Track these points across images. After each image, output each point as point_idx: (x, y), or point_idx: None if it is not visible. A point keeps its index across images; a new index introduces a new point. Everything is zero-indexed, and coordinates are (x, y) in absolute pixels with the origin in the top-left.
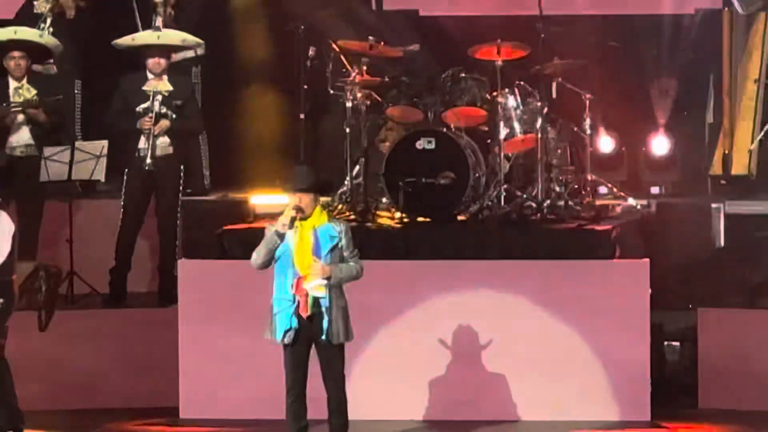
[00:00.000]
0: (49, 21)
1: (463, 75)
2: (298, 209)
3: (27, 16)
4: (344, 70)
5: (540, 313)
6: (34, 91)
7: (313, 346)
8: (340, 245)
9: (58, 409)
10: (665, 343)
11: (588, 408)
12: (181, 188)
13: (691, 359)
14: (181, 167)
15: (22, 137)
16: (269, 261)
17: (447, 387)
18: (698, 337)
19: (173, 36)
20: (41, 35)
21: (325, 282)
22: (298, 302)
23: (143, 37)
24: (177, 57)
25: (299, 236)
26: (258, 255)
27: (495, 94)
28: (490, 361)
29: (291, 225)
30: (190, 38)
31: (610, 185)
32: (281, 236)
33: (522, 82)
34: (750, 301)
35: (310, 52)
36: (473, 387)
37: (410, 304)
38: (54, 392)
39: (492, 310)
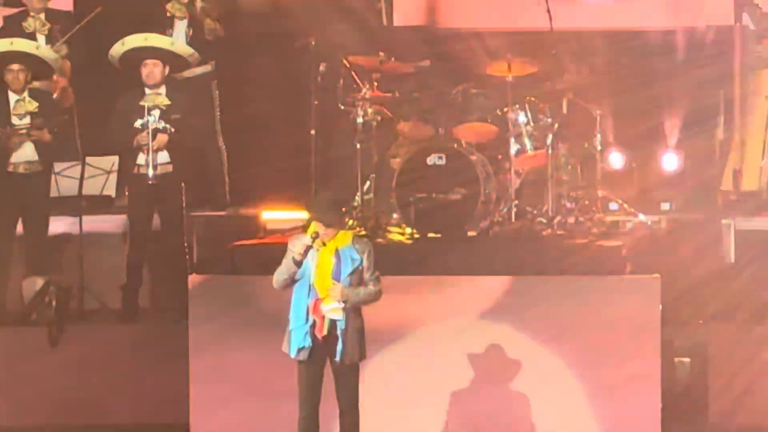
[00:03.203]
0: (42, 39)
1: (474, 91)
2: (315, 237)
3: (17, 33)
4: (355, 85)
5: (550, 329)
6: (35, 104)
7: (328, 363)
8: (360, 268)
9: (67, 425)
10: (676, 359)
11: (597, 424)
12: (183, 204)
13: (701, 375)
14: (182, 183)
15: (25, 154)
16: (290, 283)
17: (459, 405)
18: (709, 354)
19: (162, 40)
20: (38, 47)
21: (342, 305)
22: (314, 322)
23: (132, 40)
24: (195, 72)
25: (320, 257)
26: (278, 278)
27: (506, 110)
28: (498, 378)
29: (306, 254)
30: (180, 44)
31: (620, 201)
32: (298, 264)
33: (533, 98)
34: (761, 317)
35: (321, 68)
36: (483, 404)
37: (420, 320)
38: (64, 408)
39: (501, 326)
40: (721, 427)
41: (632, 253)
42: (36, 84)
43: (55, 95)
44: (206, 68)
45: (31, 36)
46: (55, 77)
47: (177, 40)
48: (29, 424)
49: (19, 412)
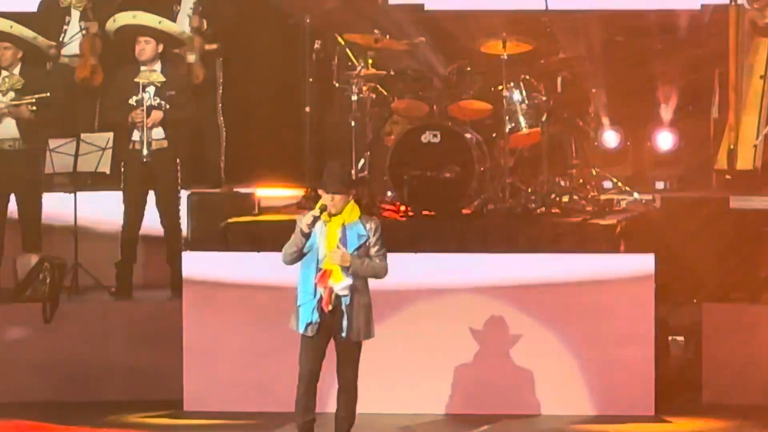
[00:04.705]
0: (76, 15)
1: (469, 69)
2: (323, 209)
3: (51, 10)
4: (350, 63)
5: (544, 307)
6: (21, 81)
7: (332, 338)
8: (367, 243)
9: (61, 401)
10: (670, 337)
11: (591, 402)
12: (179, 180)
13: (695, 354)
14: (177, 160)
15: (8, 131)
16: (298, 257)
17: (452, 380)
18: (703, 332)
19: (149, 18)
20: (11, 26)
21: (350, 282)
22: (321, 296)
23: (122, 18)
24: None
25: (328, 231)
26: (286, 252)
27: (500, 88)
28: (493, 355)
29: (313, 225)
30: (167, 22)
31: (614, 180)
32: (306, 236)
33: (527, 77)
34: (755, 296)
35: (316, 45)
36: (477, 381)
37: (414, 298)
38: (58, 384)
39: (495, 304)
40: (714, 406)
41: (626, 232)
42: (65, 59)
43: (78, 74)
44: (211, 46)
45: (66, 11)
46: (85, 55)
47: (165, 19)
48: (23, 401)
49: (12, 388)
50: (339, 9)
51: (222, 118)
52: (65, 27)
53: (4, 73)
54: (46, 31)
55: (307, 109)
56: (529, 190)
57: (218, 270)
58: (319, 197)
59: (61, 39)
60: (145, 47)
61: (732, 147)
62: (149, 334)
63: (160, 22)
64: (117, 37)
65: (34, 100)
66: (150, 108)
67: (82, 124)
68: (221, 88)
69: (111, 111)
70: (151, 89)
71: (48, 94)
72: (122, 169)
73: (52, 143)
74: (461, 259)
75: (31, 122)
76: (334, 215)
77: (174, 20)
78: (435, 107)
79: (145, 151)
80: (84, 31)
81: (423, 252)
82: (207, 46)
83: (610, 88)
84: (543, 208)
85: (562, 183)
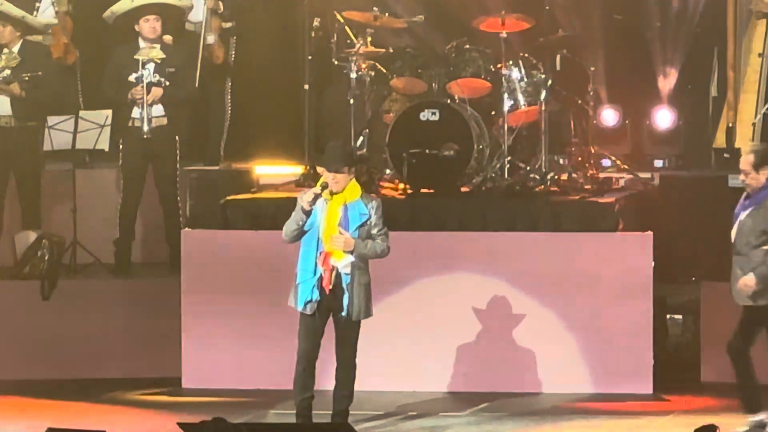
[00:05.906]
0: None
1: (468, 46)
2: (324, 187)
3: None
4: (349, 41)
5: (543, 285)
6: (17, 59)
7: (331, 317)
8: (368, 222)
9: (60, 379)
10: (668, 316)
11: (590, 380)
12: (177, 158)
13: (693, 332)
14: (177, 137)
15: (3, 108)
16: (299, 235)
17: (450, 359)
18: (701, 310)
19: None
20: (1, 4)
21: (352, 258)
22: (321, 275)
23: None
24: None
25: (329, 209)
26: (287, 229)
27: (499, 65)
28: (492, 334)
29: (314, 203)
30: None
31: (613, 158)
32: (307, 213)
33: (526, 54)
34: None
35: (315, 23)
36: (477, 359)
37: (413, 276)
38: (56, 361)
39: (493, 282)
40: (712, 384)
41: (625, 210)
42: (39, 37)
43: (54, 53)
44: (227, 25)
45: None
46: (56, 34)
47: None
48: (21, 378)
49: (10, 365)
50: None
51: (230, 97)
52: (38, 5)
53: (6, 50)
54: (20, 8)
55: (306, 86)
56: (528, 168)
57: (217, 247)
58: (317, 175)
59: (33, 17)
60: (155, 25)
61: (731, 125)
62: (148, 311)
63: None
64: (119, 19)
65: (27, 78)
66: (150, 85)
67: (67, 102)
68: (233, 66)
69: (110, 88)
70: (151, 66)
71: (40, 73)
72: (120, 146)
73: (51, 120)
74: (460, 237)
75: (23, 100)
76: (336, 194)
77: None
78: (434, 85)
79: (145, 128)
80: (54, 6)
81: (421, 230)
82: (224, 25)
83: (609, 66)
84: (541, 186)
85: (561, 161)
